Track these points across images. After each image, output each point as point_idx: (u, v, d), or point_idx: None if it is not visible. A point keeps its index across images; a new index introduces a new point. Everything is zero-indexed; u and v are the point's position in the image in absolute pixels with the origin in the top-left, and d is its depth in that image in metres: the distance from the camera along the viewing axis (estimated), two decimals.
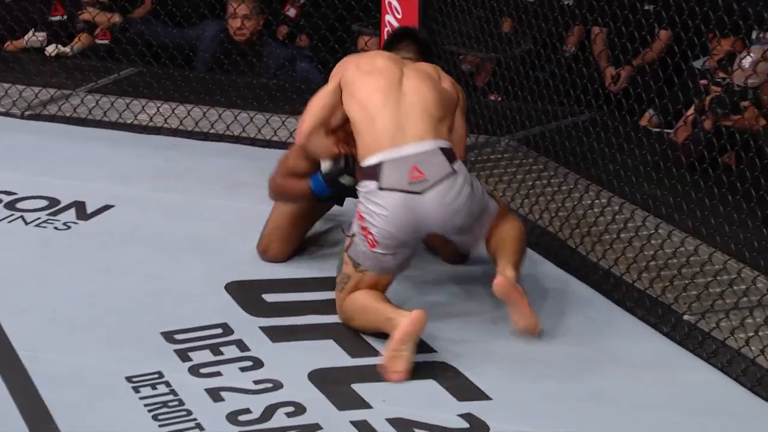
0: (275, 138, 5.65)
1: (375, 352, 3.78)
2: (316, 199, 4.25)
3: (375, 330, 3.83)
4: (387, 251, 3.84)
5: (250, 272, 4.33)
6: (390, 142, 3.84)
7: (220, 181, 5.21)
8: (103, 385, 3.58)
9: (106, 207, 4.89)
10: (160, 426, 3.39)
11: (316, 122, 4.06)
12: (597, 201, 4.61)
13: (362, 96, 3.92)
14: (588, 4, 4.91)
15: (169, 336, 3.86)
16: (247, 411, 3.47)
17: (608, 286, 4.21)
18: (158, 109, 5.93)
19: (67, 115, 5.98)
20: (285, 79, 6.50)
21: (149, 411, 3.45)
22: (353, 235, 3.89)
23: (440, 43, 5.25)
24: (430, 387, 3.62)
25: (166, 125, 5.83)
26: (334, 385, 3.60)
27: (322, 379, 3.64)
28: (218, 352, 3.78)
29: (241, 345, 3.83)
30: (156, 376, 3.62)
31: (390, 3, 5.31)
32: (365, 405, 3.51)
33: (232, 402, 3.51)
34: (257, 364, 3.72)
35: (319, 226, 4.60)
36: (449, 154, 3.86)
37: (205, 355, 3.76)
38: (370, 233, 3.83)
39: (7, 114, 6.05)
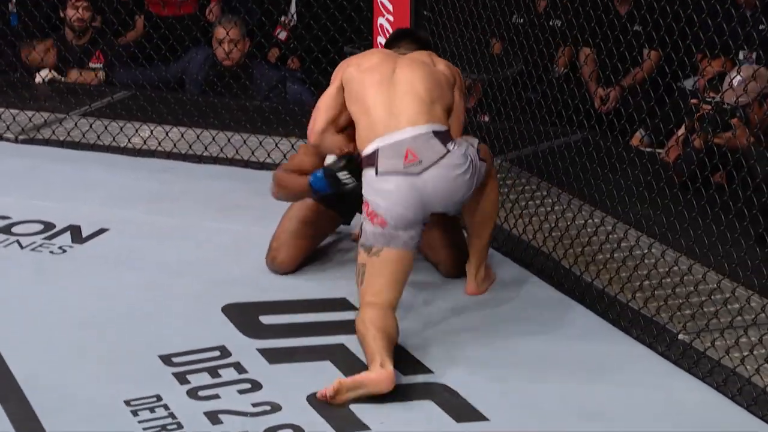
0: (268, 160, 5.67)
1: None
2: (314, 197, 4.32)
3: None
4: (396, 229, 3.88)
5: (246, 294, 4.34)
6: (384, 129, 3.93)
7: (215, 204, 5.22)
8: (101, 409, 3.58)
9: (101, 230, 4.91)
10: None
11: (327, 121, 4.11)
12: (590, 221, 4.61)
13: (359, 92, 4.01)
14: (578, 26, 4.93)
15: (166, 359, 3.87)
16: None
17: (603, 306, 4.22)
18: (152, 132, 5.94)
19: (61, 138, 6.00)
20: (277, 101, 6.52)
21: None
22: (361, 225, 3.95)
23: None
24: (428, 408, 3.63)
25: (160, 148, 5.85)
26: (333, 407, 3.60)
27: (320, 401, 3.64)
28: (216, 375, 3.79)
29: (239, 367, 3.83)
30: (154, 399, 3.62)
31: (381, 25, 5.35)
32: (363, 427, 3.51)
33: (231, 425, 3.51)
34: (255, 386, 3.73)
35: (322, 248, 4.64)
36: (443, 136, 3.93)
37: (203, 378, 3.77)
38: (377, 215, 3.88)
39: (1, 138, 6.07)
